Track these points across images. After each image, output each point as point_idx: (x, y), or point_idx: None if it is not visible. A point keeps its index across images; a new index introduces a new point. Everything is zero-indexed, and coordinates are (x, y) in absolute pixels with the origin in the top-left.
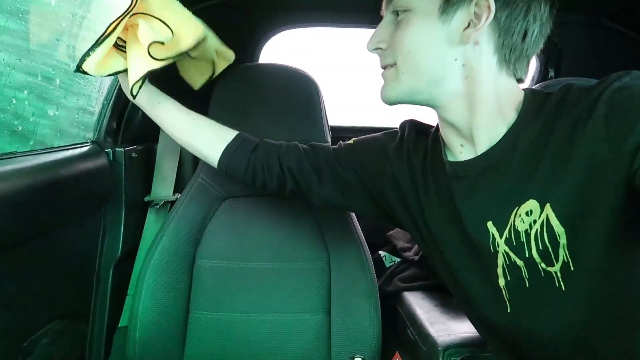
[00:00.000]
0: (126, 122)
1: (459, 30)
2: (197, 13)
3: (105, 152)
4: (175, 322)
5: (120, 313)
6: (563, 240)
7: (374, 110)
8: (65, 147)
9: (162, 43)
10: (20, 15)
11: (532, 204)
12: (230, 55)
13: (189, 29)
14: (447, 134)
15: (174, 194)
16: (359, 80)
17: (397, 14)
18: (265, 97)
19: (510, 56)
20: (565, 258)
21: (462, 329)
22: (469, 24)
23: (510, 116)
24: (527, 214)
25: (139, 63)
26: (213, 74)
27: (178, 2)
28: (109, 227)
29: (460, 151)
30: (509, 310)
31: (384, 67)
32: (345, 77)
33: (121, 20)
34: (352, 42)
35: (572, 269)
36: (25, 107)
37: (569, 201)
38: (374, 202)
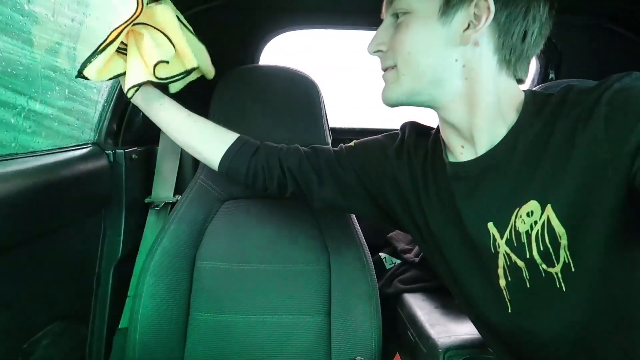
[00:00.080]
0: (127, 124)
1: (459, 32)
2: (198, 15)
3: (106, 153)
4: (175, 324)
5: (121, 314)
6: (564, 241)
7: (374, 111)
8: (66, 149)
9: (167, 62)
10: None
11: (532, 205)
12: (211, 72)
13: (188, 53)
14: (447, 135)
15: (174, 195)
16: (359, 81)
17: (397, 17)
18: (265, 99)
19: (510, 57)
20: (566, 259)
21: (463, 330)
22: (468, 25)
23: (511, 117)
24: (528, 214)
25: (139, 71)
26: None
27: (179, 22)
28: (110, 229)
29: (461, 152)
30: (509, 311)
31: (385, 69)
32: (346, 78)
33: (124, 28)
34: (352, 44)
35: (573, 269)
36: None
37: (570, 202)
38: (375, 203)
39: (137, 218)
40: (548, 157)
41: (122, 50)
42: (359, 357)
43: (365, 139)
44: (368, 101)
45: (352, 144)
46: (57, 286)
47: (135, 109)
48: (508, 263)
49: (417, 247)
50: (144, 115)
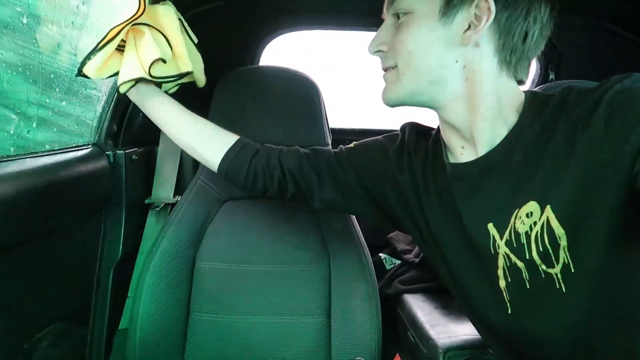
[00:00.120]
0: (127, 125)
1: (459, 32)
2: (199, 15)
3: (106, 154)
4: (175, 324)
5: (121, 315)
6: (563, 242)
7: (374, 111)
8: (66, 150)
9: (164, 61)
10: None
11: (532, 206)
12: (202, 82)
13: (185, 56)
14: (447, 135)
15: (174, 196)
16: (359, 82)
17: (398, 17)
18: (265, 100)
19: (511, 58)
20: (565, 260)
21: (463, 331)
22: (469, 26)
23: (511, 118)
24: (527, 215)
25: (133, 67)
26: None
27: (180, 26)
28: (110, 230)
29: (461, 152)
30: (509, 312)
31: (385, 69)
32: (346, 78)
33: (124, 26)
34: (352, 44)
35: (573, 270)
36: None
37: (569, 202)
38: (375, 203)
39: (137, 219)
40: (548, 157)
41: (122, 48)
42: (358, 358)
43: (365, 140)
44: (368, 101)
45: (351, 145)
46: (57, 287)
47: (135, 109)
48: (508, 264)
49: (417, 248)
50: (144, 116)
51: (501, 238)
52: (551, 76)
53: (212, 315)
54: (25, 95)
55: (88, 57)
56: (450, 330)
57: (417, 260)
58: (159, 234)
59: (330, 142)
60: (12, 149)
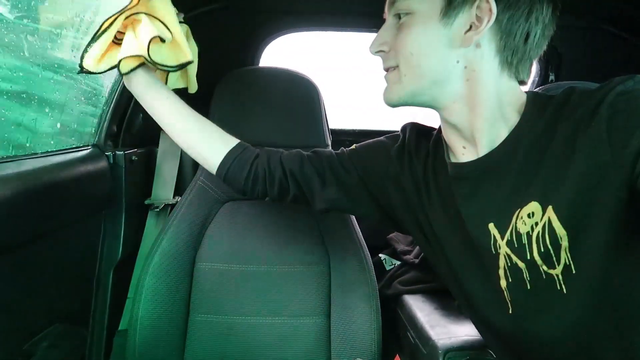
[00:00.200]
0: (127, 126)
1: (461, 33)
2: (199, 16)
3: (106, 155)
4: (175, 325)
5: (120, 316)
6: (565, 243)
7: (374, 111)
8: (66, 151)
9: (163, 41)
10: None
11: (533, 206)
12: (194, 87)
13: (184, 45)
14: (449, 136)
15: (174, 197)
16: (359, 82)
17: (399, 17)
18: (265, 100)
19: (512, 58)
20: (567, 261)
21: (463, 332)
22: (470, 27)
23: (513, 118)
24: (528, 216)
25: (132, 45)
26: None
27: (178, 19)
28: (109, 231)
29: (462, 152)
30: (510, 312)
31: (387, 70)
32: (346, 79)
33: (119, 15)
34: (352, 44)
35: (574, 271)
36: None
37: (571, 203)
38: (377, 204)
39: (137, 220)
40: (549, 158)
41: (120, 41)
42: (358, 359)
43: (367, 141)
44: (368, 101)
45: (353, 147)
46: (57, 288)
47: (135, 110)
48: (509, 264)
49: (417, 249)
50: (144, 117)
51: (502, 238)
52: (551, 77)
53: (212, 316)
54: None
55: (85, 50)
56: (450, 331)
57: (417, 261)
58: (159, 234)
59: (330, 143)
60: None
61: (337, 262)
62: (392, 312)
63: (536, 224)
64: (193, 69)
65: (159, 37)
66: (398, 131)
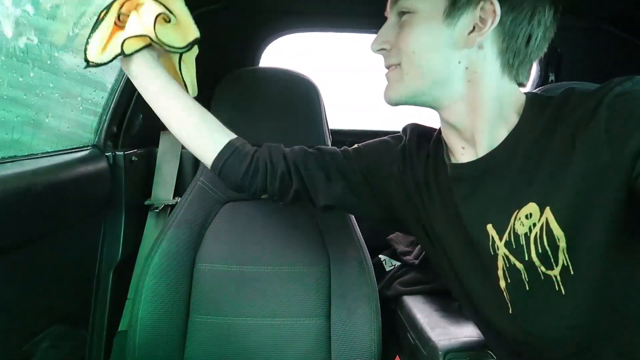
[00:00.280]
0: (126, 126)
1: (464, 34)
2: (199, 17)
3: (106, 156)
4: (175, 326)
5: (120, 317)
6: (562, 244)
7: (373, 111)
8: (65, 151)
9: (168, 22)
10: None
11: (531, 207)
12: (195, 90)
13: (191, 23)
14: (448, 136)
15: (174, 197)
16: (360, 82)
17: (402, 15)
18: (265, 101)
19: (513, 60)
20: (565, 262)
21: (463, 333)
22: (473, 28)
23: (512, 119)
24: (526, 217)
25: (138, 25)
26: None
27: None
28: (109, 231)
29: (462, 153)
30: (510, 312)
31: (388, 67)
32: (346, 79)
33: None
34: (353, 45)
35: (572, 272)
36: None
37: (569, 204)
38: (380, 204)
39: (137, 220)
40: (548, 159)
41: (124, 25)
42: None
43: (370, 141)
44: (368, 102)
45: (355, 146)
46: (56, 288)
47: (135, 111)
48: (507, 265)
49: (416, 249)
50: (143, 117)
51: (500, 239)
52: (551, 77)
53: (212, 316)
54: None
55: (87, 42)
56: (450, 332)
57: (417, 262)
58: (159, 235)
59: (330, 143)
60: None
61: (337, 263)
62: (392, 313)
63: (534, 224)
64: (193, 73)
65: (164, 18)
66: (399, 132)
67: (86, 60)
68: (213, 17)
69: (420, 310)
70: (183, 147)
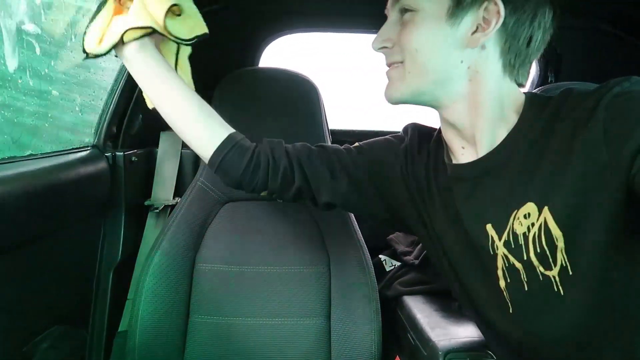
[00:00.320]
0: (126, 126)
1: (467, 34)
2: None
3: (105, 156)
4: (175, 327)
5: (120, 317)
6: (561, 244)
7: (374, 112)
8: (65, 152)
9: (178, 14)
10: None
11: (530, 207)
12: (191, 88)
13: (198, 17)
14: (448, 136)
15: (173, 197)
16: (359, 82)
17: (404, 13)
18: (265, 101)
19: (515, 61)
20: (563, 262)
21: (463, 333)
22: (477, 28)
23: (512, 119)
24: (525, 216)
25: (143, 15)
26: None
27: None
28: (109, 232)
29: (462, 153)
30: (510, 312)
31: (390, 65)
32: (346, 79)
33: None
34: (353, 45)
35: (571, 273)
36: None
37: (567, 204)
38: (384, 203)
39: (137, 221)
40: (547, 159)
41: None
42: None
43: (372, 139)
44: (367, 102)
45: (358, 144)
46: (56, 289)
47: (135, 111)
48: (507, 265)
49: (417, 250)
50: (143, 117)
51: (500, 239)
52: (550, 78)
53: (212, 317)
54: None
55: (84, 34)
56: (450, 332)
57: (417, 262)
58: (159, 235)
59: (330, 143)
60: None
61: (337, 263)
62: (392, 313)
63: (532, 224)
64: (187, 71)
65: (173, 10)
66: (399, 132)
67: (84, 52)
68: (213, 17)
69: (420, 311)
70: (183, 147)
